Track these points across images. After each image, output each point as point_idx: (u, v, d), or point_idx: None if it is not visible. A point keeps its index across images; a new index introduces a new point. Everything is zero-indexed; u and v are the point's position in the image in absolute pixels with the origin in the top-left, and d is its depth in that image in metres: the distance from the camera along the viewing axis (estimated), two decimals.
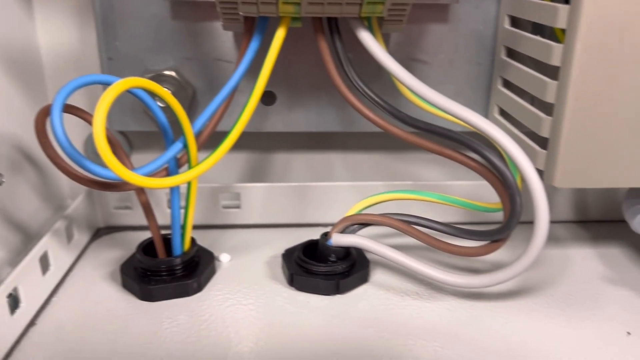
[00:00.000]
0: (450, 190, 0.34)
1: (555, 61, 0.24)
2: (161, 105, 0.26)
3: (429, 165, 0.35)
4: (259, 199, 0.34)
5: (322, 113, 0.32)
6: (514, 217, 0.24)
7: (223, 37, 0.30)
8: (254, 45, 0.26)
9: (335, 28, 0.27)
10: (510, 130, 0.29)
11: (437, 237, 0.27)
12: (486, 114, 0.32)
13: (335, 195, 0.35)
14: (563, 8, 0.23)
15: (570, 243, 0.34)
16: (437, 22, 0.30)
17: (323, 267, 0.28)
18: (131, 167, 0.27)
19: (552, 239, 0.34)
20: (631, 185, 0.25)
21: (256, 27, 0.26)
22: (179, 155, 0.26)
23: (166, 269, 0.27)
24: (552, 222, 0.36)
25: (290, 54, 0.30)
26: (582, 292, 0.28)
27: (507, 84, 0.30)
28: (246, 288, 0.28)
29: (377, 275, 0.29)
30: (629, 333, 0.25)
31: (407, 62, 0.31)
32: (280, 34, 0.26)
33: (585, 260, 0.32)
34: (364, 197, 0.29)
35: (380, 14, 0.25)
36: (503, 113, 0.31)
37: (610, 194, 0.36)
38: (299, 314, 0.26)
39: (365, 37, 0.26)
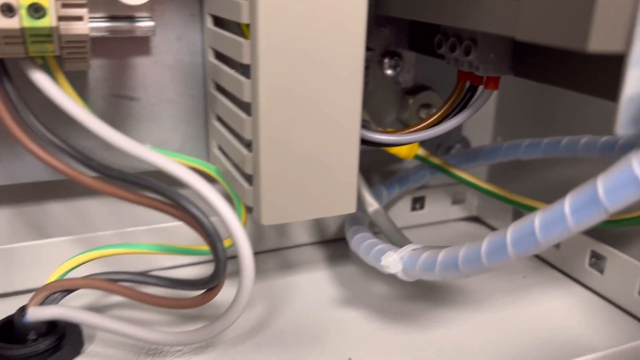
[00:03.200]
0: (177, 231, 0.32)
1: (246, 97, 0.23)
2: None
3: None
4: None
5: (16, 162, 0.28)
6: (219, 264, 0.23)
7: None
8: None
9: (2, 69, 0.23)
10: (227, 167, 0.28)
11: (151, 293, 0.25)
12: (207, 150, 0.31)
13: (50, 254, 0.30)
14: (246, 43, 0.22)
15: (305, 267, 0.34)
16: (139, 55, 0.28)
17: (21, 349, 0.23)
18: None
19: (286, 265, 0.34)
20: (338, 213, 0.25)
21: None
22: None
23: None
24: (289, 247, 0.36)
25: None
26: (309, 319, 0.28)
27: (220, 118, 0.29)
28: None
29: (93, 345, 0.26)
30: (350, 359, 0.25)
31: (112, 100, 0.28)
32: None
33: (318, 284, 0.32)
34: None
35: (54, 53, 0.22)
36: (222, 148, 0.29)
37: None
38: None
39: (39, 79, 0.23)
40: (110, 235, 0.31)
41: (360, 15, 0.22)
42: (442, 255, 0.22)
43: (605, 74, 0.20)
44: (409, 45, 0.33)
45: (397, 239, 0.27)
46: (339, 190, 0.25)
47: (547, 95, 0.37)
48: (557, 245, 0.34)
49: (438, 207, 0.39)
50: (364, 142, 0.27)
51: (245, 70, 0.24)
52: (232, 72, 0.25)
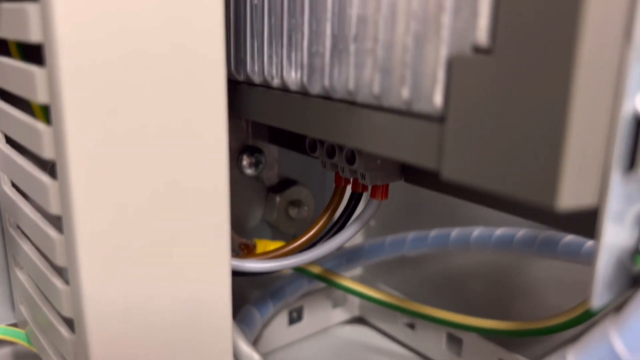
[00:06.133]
0: None
1: (60, 260, 0.16)
2: None
3: None
4: None
5: None
6: None
7: None
8: None
9: None
10: (40, 341, 0.19)
11: None
12: (12, 304, 0.22)
13: None
14: (47, 131, 0.15)
15: None
16: None
17: None
18: None
19: None
20: None
21: None
22: None
23: None
24: None
25: None
26: None
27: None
28: None
29: None
30: None
31: None
32: None
33: None
34: None
35: None
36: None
37: None
38: None
39: None
40: None
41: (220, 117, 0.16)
42: None
43: None
44: (270, 138, 0.27)
45: None
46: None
47: None
48: (460, 353, 0.30)
49: (318, 314, 0.34)
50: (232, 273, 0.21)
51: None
52: (30, 210, 0.17)
